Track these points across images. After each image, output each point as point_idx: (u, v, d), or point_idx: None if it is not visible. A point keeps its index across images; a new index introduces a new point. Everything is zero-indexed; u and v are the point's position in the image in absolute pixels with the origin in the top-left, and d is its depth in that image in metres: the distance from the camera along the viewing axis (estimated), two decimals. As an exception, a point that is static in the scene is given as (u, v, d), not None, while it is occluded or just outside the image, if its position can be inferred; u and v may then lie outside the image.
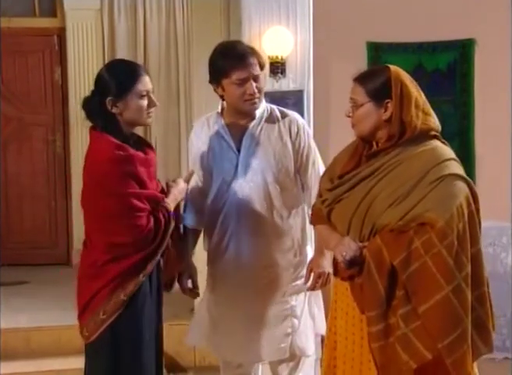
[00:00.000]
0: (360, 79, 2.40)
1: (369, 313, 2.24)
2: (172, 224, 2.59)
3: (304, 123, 2.98)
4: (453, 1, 4.78)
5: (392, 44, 4.83)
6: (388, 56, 4.81)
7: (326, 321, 2.72)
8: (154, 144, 6.15)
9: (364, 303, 2.27)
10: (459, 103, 4.87)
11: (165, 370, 4.26)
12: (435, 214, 2.16)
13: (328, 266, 2.81)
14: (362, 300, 2.28)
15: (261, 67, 2.82)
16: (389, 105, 2.33)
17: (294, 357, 2.99)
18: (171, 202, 2.65)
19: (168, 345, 4.33)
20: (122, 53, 6.15)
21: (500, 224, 4.54)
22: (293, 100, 4.05)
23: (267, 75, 4.02)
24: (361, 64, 4.43)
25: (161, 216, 2.52)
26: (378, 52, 4.84)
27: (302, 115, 4.05)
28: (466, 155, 4.88)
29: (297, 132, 2.89)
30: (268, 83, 4.01)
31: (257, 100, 2.82)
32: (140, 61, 6.18)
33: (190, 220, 2.99)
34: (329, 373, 2.50)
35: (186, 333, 4.44)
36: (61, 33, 6.32)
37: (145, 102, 2.56)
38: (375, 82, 2.36)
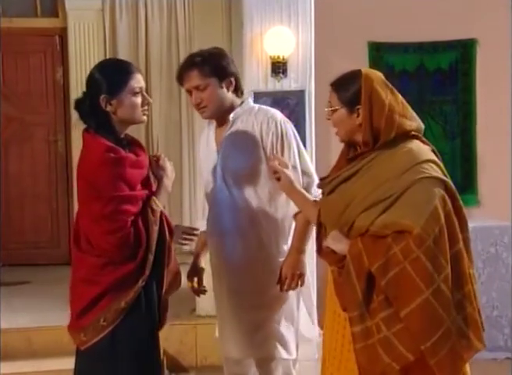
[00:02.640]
0: (334, 84, 2.41)
1: (350, 314, 2.28)
2: (156, 227, 2.50)
3: (279, 120, 2.84)
4: (455, 2, 4.78)
5: (393, 44, 4.83)
6: (389, 56, 4.82)
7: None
8: (155, 144, 6.22)
9: (345, 302, 2.31)
10: (460, 102, 4.88)
11: (166, 370, 4.26)
12: (411, 221, 2.18)
13: (301, 267, 2.80)
14: (343, 297, 2.33)
15: (214, 75, 2.77)
16: (360, 111, 2.34)
17: (274, 358, 2.95)
18: (162, 197, 2.59)
19: (170, 345, 4.35)
20: (123, 53, 6.15)
21: (503, 224, 4.54)
22: (294, 100, 4.05)
23: (268, 75, 4.03)
24: (363, 64, 4.44)
25: (139, 221, 2.45)
26: (380, 52, 4.84)
27: (304, 115, 4.07)
28: (468, 154, 4.89)
29: (268, 130, 2.82)
30: (270, 83, 4.02)
31: (203, 109, 2.83)
32: (141, 61, 6.19)
33: (199, 224, 3.07)
34: (323, 370, 2.54)
35: (187, 333, 4.48)
36: (62, 33, 6.32)
37: (139, 99, 2.54)
38: (346, 88, 2.37)
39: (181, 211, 6.29)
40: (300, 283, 2.83)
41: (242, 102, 2.91)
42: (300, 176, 2.82)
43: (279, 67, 4.05)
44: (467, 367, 2.33)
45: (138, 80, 2.55)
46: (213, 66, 2.79)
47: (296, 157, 2.85)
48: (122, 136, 2.58)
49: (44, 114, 6.41)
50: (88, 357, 2.51)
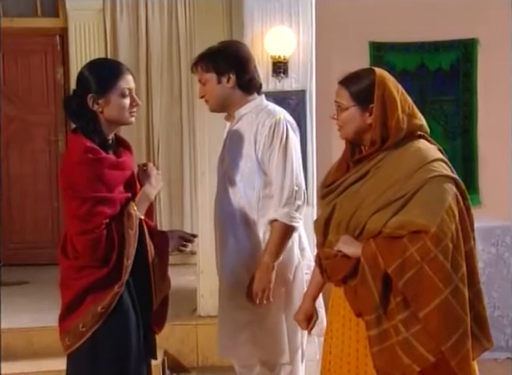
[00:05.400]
0: (345, 82, 2.36)
1: (367, 317, 2.24)
2: (132, 231, 2.43)
3: (274, 124, 2.78)
4: (456, 1, 4.78)
5: (394, 44, 4.83)
6: (390, 56, 4.81)
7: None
8: (156, 144, 6.22)
9: (360, 307, 2.27)
10: (462, 102, 4.87)
11: (167, 370, 4.27)
12: (427, 220, 2.16)
13: (269, 283, 2.76)
14: (356, 302, 2.29)
15: (212, 70, 2.82)
16: (373, 109, 2.30)
17: (266, 363, 2.92)
18: (142, 204, 2.51)
19: (171, 345, 4.35)
20: (124, 53, 6.15)
21: (504, 224, 4.54)
22: (295, 100, 4.04)
23: (269, 75, 4.02)
24: (364, 64, 4.42)
25: (113, 224, 2.39)
26: (381, 52, 4.84)
27: (305, 115, 4.06)
28: (469, 154, 4.89)
29: (262, 131, 2.78)
30: (271, 83, 4.01)
31: (207, 103, 2.91)
32: (142, 61, 6.20)
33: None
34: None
35: (188, 333, 4.48)
36: (63, 33, 6.32)
37: (127, 101, 2.49)
38: (359, 86, 2.33)
39: (182, 212, 6.30)
40: (264, 297, 2.79)
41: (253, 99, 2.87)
42: (281, 186, 2.77)
43: (279, 67, 4.03)
44: (475, 366, 2.32)
45: (127, 81, 2.50)
46: (213, 61, 2.81)
47: (280, 166, 2.77)
48: (110, 137, 2.52)
49: (45, 114, 6.41)
50: (73, 361, 2.51)
